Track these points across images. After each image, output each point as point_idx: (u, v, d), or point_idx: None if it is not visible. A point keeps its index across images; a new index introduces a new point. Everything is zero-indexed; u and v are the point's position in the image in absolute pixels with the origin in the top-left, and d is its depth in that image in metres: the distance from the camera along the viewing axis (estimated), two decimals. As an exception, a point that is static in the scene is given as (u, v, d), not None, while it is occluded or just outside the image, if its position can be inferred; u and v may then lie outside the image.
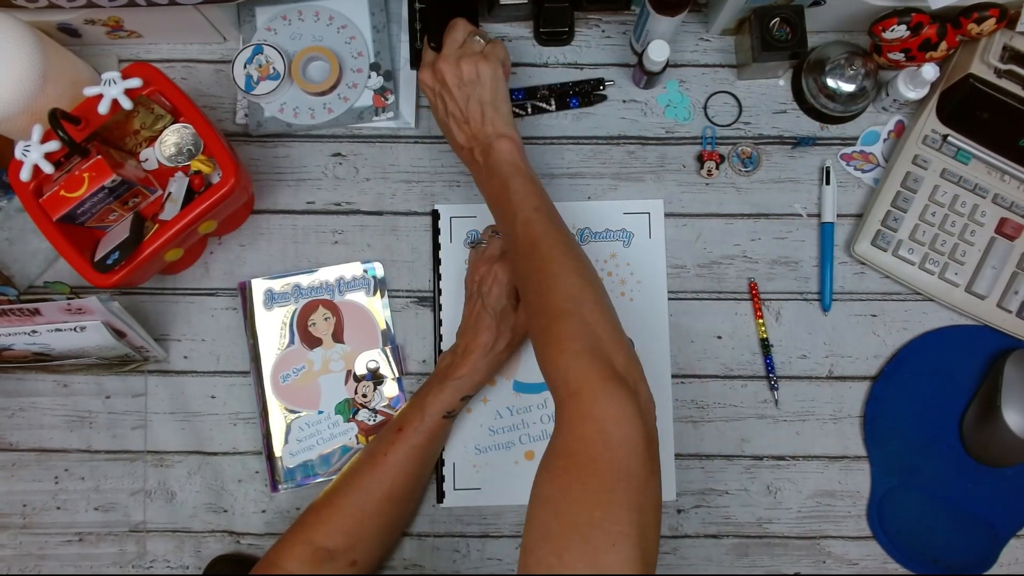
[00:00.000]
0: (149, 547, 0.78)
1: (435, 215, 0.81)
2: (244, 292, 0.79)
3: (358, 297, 0.79)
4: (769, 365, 0.79)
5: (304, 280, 0.79)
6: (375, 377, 0.78)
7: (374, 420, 0.78)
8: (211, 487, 0.78)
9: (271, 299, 0.79)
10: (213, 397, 0.79)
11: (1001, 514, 0.78)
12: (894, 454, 0.78)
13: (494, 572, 0.78)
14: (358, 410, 0.78)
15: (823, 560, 0.78)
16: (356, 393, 0.78)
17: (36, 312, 0.67)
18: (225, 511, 0.78)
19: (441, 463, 0.78)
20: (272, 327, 0.79)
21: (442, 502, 0.78)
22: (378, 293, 0.79)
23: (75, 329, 0.68)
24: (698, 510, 0.79)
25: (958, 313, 0.80)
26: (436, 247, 0.80)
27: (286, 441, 0.77)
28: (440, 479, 0.78)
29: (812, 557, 0.78)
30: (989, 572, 0.77)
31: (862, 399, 0.80)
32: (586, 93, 0.82)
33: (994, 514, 0.77)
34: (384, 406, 0.78)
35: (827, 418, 0.79)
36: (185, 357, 0.80)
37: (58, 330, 0.68)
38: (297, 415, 0.78)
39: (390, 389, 0.79)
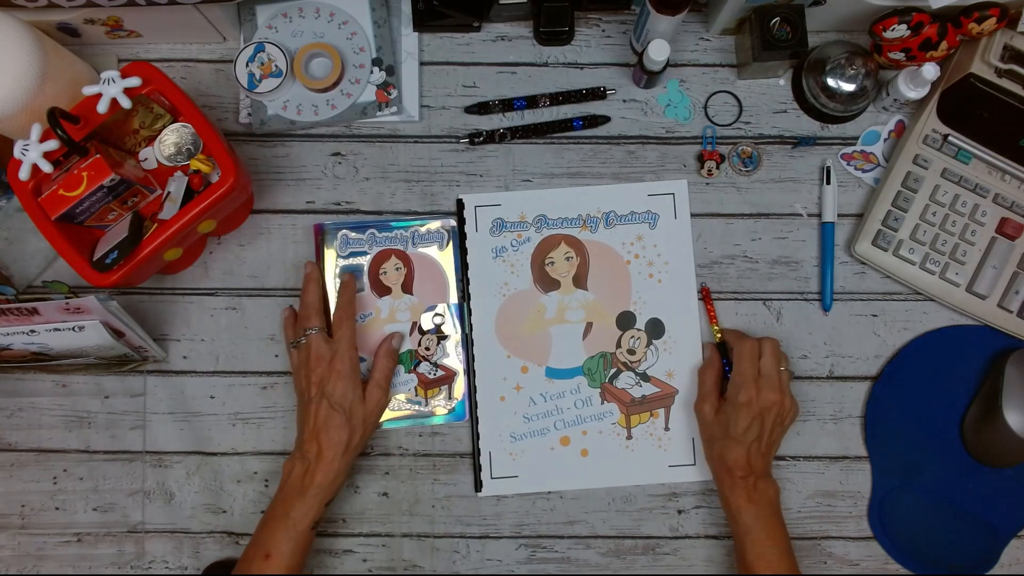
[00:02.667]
0: (148, 548, 0.78)
1: (460, 204, 0.81)
2: (318, 235, 0.80)
3: (430, 251, 0.80)
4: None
5: (380, 229, 0.80)
6: (439, 332, 0.79)
7: (434, 373, 0.79)
8: (210, 488, 0.78)
9: (346, 243, 0.79)
10: (212, 397, 0.79)
11: (1002, 514, 0.77)
12: (895, 454, 0.78)
13: (493, 573, 0.78)
14: (420, 362, 0.79)
15: (824, 561, 0.78)
16: (419, 345, 0.79)
17: (34, 311, 0.67)
18: (224, 512, 0.78)
19: (478, 452, 0.78)
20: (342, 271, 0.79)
21: (480, 491, 0.78)
22: (450, 247, 0.80)
23: (73, 329, 0.68)
24: (699, 511, 0.78)
25: (959, 313, 0.80)
26: (462, 236, 0.80)
27: None
28: (477, 468, 0.78)
29: (813, 558, 0.78)
30: (990, 572, 0.77)
31: (863, 399, 0.80)
32: (591, 118, 0.81)
33: (995, 514, 0.77)
34: (446, 361, 0.79)
35: (828, 418, 0.79)
36: (184, 357, 0.80)
37: (56, 330, 0.68)
38: (360, 360, 0.78)
39: (452, 345, 0.79)
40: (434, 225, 0.80)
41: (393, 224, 0.80)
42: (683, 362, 0.79)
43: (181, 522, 0.78)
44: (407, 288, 0.80)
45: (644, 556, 0.78)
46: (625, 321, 0.79)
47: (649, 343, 0.79)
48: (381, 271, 0.79)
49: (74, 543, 0.78)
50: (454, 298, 0.79)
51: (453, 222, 0.80)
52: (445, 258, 0.80)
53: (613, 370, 0.79)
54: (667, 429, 0.78)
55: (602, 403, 0.79)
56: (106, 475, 0.78)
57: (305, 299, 0.76)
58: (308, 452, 0.71)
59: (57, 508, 0.78)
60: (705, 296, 0.79)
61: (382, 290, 0.80)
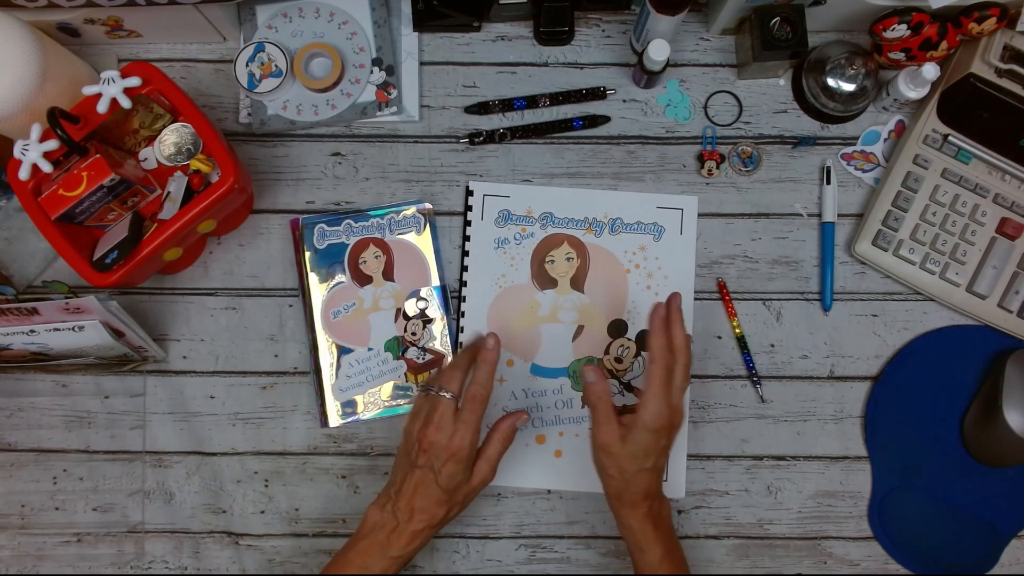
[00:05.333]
0: (147, 548, 0.78)
1: (468, 191, 0.81)
2: (296, 229, 0.80)
3: (408, 236, 0.80)
4: (748, 362, 0.79)
5: (356, 219, 0.80)
6: (424, 317, 0.79)
7: (423, 358, 0.79)
8: (210, 487, 0.78)
9: (323, 236, 0.79)
10: (212, 397, 0.79)
11: (1002, 514, 0.77)
12: (895, 454, 0.78)
13: (493, 573, 0.78)
14: (407, 348, 0.79)
15: (824, 561, 0.78)
16: (405, 331, 0.79)
17: (34, 311, 0.67)
18: (224, 512, 0.78)
19: None
20: (322, 264, 0.79)
21: None
22: (427, 231, 0.80)
23: (73, 329, 0.68)
24: (699, 511, 0.78)
25: (959, 313, 0.80)
26: (466, 223, 0.80)
27: (336, 377, 0.78)
28: None
29: (813, 558, 0.78)
30: (990, 572, 0.77)
31: (863, 399, 0.80)
32: (591, 118, 0.81)
33: (995, 514, 0.77)
34: (433, 345, 0.79)
35: (828, 418, 0.79)
36: (184, 357, 0.79)
37: (56, 330, 0.68)
38: (347, 351, 0.78)
39: (439, 328, 0.79)
40: (410, 211, 0.80)
41: (370, 213, 0.80)
42: None
43: (181, 522, 0.78)
44: (388, 275, 0.80)
45: (644, 556, 0.78)
46: (617, 329, 0.79)
47: (637, 354, 0.79)
48: (360, 260, 0.79)
49: (74, 543, 0.78)
50: (436, 281, 0.80)
51: (429, 205, 0.80)
52: (423, 242, 0.80)
53: None
54: None
55: (582, 407, 0.78)
56: (106, 475, 0.78)
57: (458, 360, 0.70)
58: (400, 512, 0.66)
59: (57, 508, 0.78)
60: (722, 291, 0.79)
61: (363, 279, 0.80)
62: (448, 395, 0.67)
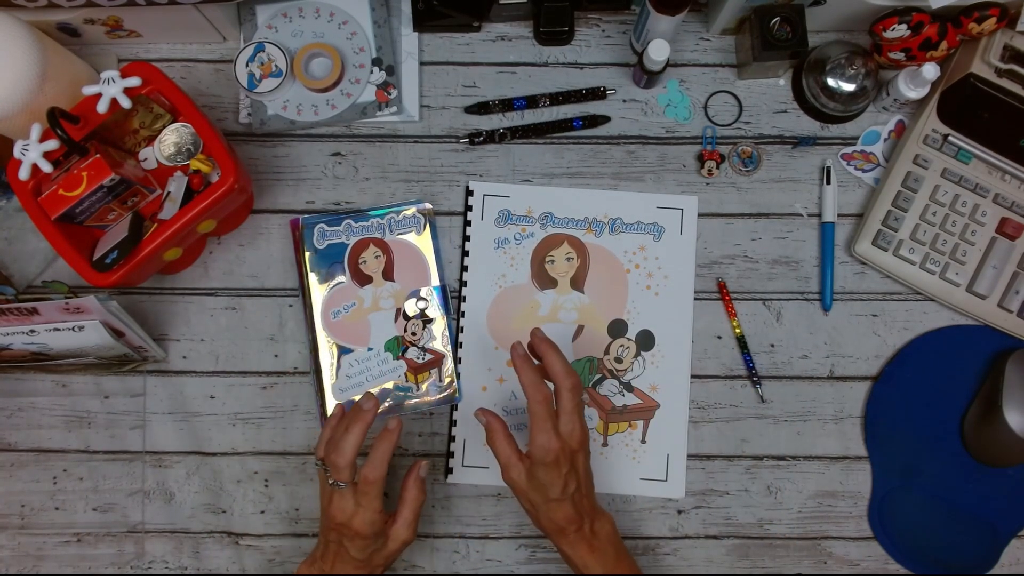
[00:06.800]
0: (147, 548, 0.78)
1: (468, 192, 0.81)
2: (296, 229, 0.80)
3: (408, 236, 0.80)
4: (748, 362, 0.79)
5: (356, 219, 0.80)
6: (424, 316, 0.79)
7: (423, 358, 0.79)
8: (210, 487, 0.78)
9: (323, 236, 0.79)
10: (212, 397, 0.79)
11: (1002, 514, 0.77)
12: (895, 454, 0.78)
13: (493, 573, 0.78)
14: (407, 348, 0.79)
15: (824, 561, 0.78)
16: (405, 331, 0.79)
17: (34, 311, 0.67)
18: (224, 512, 0.78)
19: (452, 439, 0.78)
20: (322, 264, 0.79)
21: (449, 478, 0.78)
22: (427, 231, 0.80)
23: (73, 329, 0.68)
24: (699, 511, 0.78)
25: (959, 313, 0.80)
26: (466, 223, 0.80)
27: (336, 377, 0.78)
28: (449, 454, 0.78)
29: (813, 558, 0.78)
30: (990, 572, 0.77)
31: (863, 399, 0.80)
32: (591, 118, 0.81)
33: (995, 514, 0.77)
34: (432, 345, 0.79)
35: (828, 418, 0.79)
36: (184, 357, 0.79)
37: (56, 329, 0.68)
38: (347, 351, 0.78)
39: (439, 328, 0.79)
40: (410, 211, 0.80)
41: (370, 213, 0.80)
42: (669, 377, 0.79)
43: (181, 522, 0.78)
44: (388, 275, 0.80)
45: (644, 556, 0.78)
46: (617, 329, 0.79)
47: (637, 354, 0.79)
48: (360, 260, 0.79)
49: (74, 543, 0.78)
50: (436, 281, 0.79)
51: (429, 205, 0.80)
52: (423, 242, 0.80)
53: (598, 376, 0.79)
54: (643, 442, 0.78)
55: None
56: (106, 475, 0.78)
57: (349, 441, 0.65)
58: (326, 573, 0.68)
59: (57, 508, 0.78)
60: (722, 291, 0.80)
61: (363, 279, 0.80)
62: (342, 485, 0.66)
